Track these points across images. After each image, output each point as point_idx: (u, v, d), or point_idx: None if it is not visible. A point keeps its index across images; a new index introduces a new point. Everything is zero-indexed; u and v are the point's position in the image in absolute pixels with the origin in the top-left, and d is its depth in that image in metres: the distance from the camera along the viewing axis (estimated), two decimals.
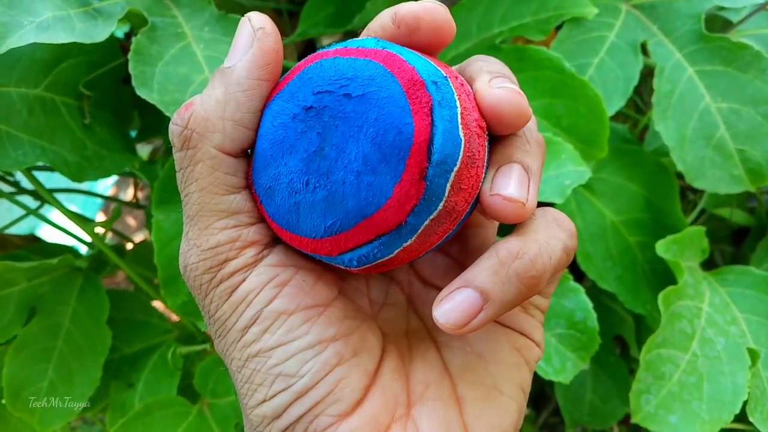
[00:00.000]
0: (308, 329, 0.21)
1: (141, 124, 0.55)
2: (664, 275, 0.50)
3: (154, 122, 0.54)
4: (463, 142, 0.20)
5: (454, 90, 0.20)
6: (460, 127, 0.20)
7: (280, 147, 0.20)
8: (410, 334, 0.25)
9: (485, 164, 0.21)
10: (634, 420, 0.43)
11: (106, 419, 0.57)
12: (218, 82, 0.21)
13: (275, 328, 0.21)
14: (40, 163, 0.46)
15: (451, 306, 0.20)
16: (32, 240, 0.69)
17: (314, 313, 0.22)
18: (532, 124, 0.23)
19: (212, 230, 0.21)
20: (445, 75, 0.20)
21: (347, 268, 0.22)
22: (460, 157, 0.20)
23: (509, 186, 0.20)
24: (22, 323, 0.53)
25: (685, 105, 0.47)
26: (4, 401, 0.55)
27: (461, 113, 0.20)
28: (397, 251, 0.21)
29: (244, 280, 0.21)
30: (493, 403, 0.23)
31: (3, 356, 0.54)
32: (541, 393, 0.72)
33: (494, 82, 0.21)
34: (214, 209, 0.21)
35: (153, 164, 0.49)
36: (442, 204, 0.20)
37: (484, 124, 0.21)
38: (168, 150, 0.48)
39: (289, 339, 0.21)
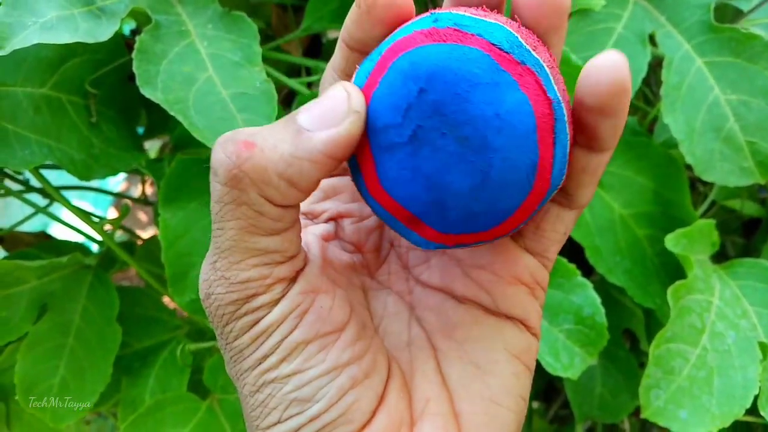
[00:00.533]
0: (324, 356, 0.21)
1: (148, 121, 0.55)
2: (674, 268, 0.50)
3: (162, 119, 0.54)
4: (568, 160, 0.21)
5: (562, 101, 0.20)
6: (568, 146, 0.20)
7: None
8: (411, 345, 0.25)
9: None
10: (643, 415, 0.43)
11: (117, 414, 0.57)
12: (289, 135, 0.20)
13: (293, 358, 0.21)
14: (48, 162, 0.46)
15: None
16: (43, 237, 0.69)
17: (330, 339, 0.22)
18: None
19: (244, 266, 0.21)
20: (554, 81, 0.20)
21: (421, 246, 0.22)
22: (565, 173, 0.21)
23: None
24: (32, 321, 0.54)
25: (694, 97, 0.46)
26: (17, 398, 0.55)
27: (568, 127, 0.20)
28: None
29: (268, 314, 0.21)
30: (492, 416, 0.23)
31: (15, 353, 0.55)
32: (551, 386, 0.72)
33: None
34: (250, 248, 0.21)
35: (160, 162, 0.49)
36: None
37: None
38: (175, 147, 0.48)
39: (306, 367, 0.21)
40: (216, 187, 0.20)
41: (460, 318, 0.24)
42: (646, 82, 0.61)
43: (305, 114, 0.20)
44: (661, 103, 0.46)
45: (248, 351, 0.21)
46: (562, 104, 0.19)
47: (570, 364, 0.39)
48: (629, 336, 0.61)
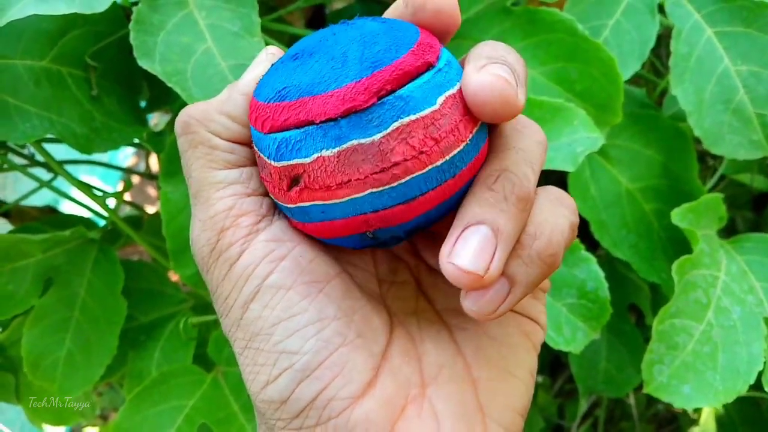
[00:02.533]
0: (307, 305, 0.21)
1: (150, 93, 0.55)
2: (680, 243, 0.49)
3: (164, 91, 0.53)
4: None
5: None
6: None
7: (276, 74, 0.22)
8: (419, 314, 0.24)
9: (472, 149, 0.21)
10: (646, 390, 0.43)
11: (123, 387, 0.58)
12: (226, 90, 0.23)
13: (275, 303, 0.21)
14: (49, 136, 0.46)
15: (479, 294, 0.20)
16: (49, 212, 0.69)
17: (313, 289, 0.21)
18: (522, 165, 0.21)
19: (211, 201, 0.22)
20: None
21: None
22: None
23: (467, 254, 0.19)
24: (38, 294, 0.54)
25: (703, 68, 0.45)
26: (26, 371, 0.56)
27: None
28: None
29: (241, 254, 0.22)
30: (507, 384, 0.23)
31: (21, 327, 0.56)
32: (556, 361, 0.72)
33: (487, 68, 0.20)
34: (212, 182, 0.22)
35: (161, 135, 0.49)
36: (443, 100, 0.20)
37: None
38: (174, 120, 0.48)
39: (288, 315, 0.21)
40: (178, 143, 0.23)
41: None
42: (655, 53, 0.60)
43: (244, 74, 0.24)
44: (670, 74, 0.45)
45: (231, 298, 0.22)
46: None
47: (572, 338, 0.39)
48: (635, 311, 0.61)
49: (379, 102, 0.19)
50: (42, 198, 0.71)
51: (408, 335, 0.23)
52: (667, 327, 0.43)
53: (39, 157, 0.60)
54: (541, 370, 0.70)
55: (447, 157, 0.20)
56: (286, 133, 0.20)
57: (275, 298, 0.21)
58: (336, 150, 0.19)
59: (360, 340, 0.21)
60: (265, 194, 0.23)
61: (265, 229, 0.22)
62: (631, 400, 0.70)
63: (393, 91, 0.19)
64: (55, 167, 0.51)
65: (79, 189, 0.51)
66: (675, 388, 0.43)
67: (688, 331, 0.43)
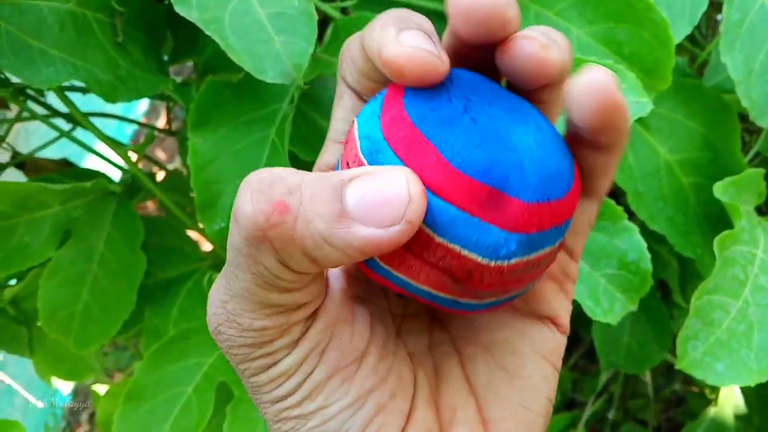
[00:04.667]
0: (348, 389, 0.20)
1: (174, 44, 0.53)
2: (716, 219, 0.48)
3: (188, 43, 0.52)
4: None
5: None
6: None
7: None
8: (433, 348, 0.23)
9: None
10: (678, 366, 0.42)
11: (140, 344, 0.57)
12: (330, 212, 0.17)
13: (316, 395, 0.20)
14: (66, 83, 0.45)
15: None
16: (65, 165, 0.68)
17: (351, 370, 0.20)
18: None
19: (258, 315, 0.19)
20: None
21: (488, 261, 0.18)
22: None
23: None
24: (56, 246, 0.53)
25: (755, 36, 0.43)
26: (39, 323, 0.55)
27: None
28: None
29: (287, 356, 0.20)
30: (520, 422, 0.22)
31: (37, 279, 0.55)
32: (574, 334, 0.71)
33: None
34: (265, 302, 0.19)
35: (187, 86, 0.47)
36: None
37: None
38: (203, 72, 0.47)
39: (329, 403, 0.20)
40: (235, 235, 0.18)
41: (485, 321, 0.23)
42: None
43: (355, 193, 0.17)
44: (720, 41, 0.43)
45: (267, 388, 0.20)
46: None
47: (610, 309, 0.38)
48: (661, 287, 0.60)
49: (548, 230, 0.19)
50: (56, 152, 0.70)
51: (426, 378, 0.22)
52: (704, 303, 0.42)
53: (56, 109, 0.58)
54: None
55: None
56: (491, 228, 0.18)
57: (316, 391, 0.20)
58: (505, 263, 0.18)
59: (393, 402, 0.21)
60: (319, 296, 0.20)
61: (313, 326, 0.20)
62: (648, 379, 0.69)
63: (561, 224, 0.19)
64: (78, 117, 0.49)
65: (101, 140, 0.50)
66: (708, 365, 0.42)
67: (725, 308, 0.42)
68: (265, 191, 0.17)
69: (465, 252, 0.18)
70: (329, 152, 0.23)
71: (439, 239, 0.18)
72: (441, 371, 0.23)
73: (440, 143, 0.18)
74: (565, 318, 0.23)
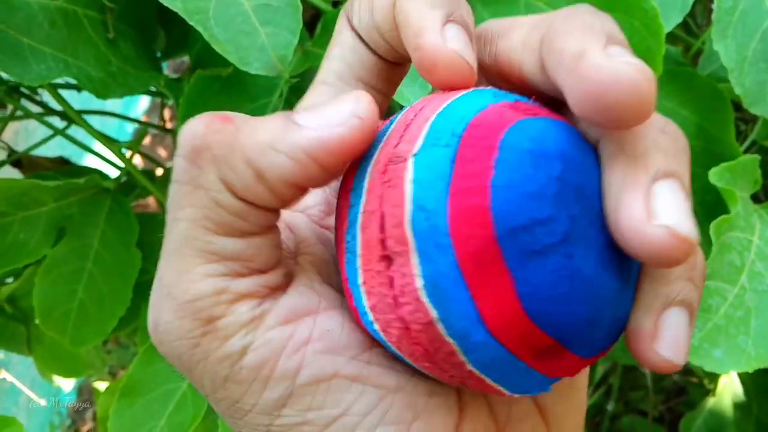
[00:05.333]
0: (362, 387, 0.17)
1: (167, 40, 0.53)
2: (711, 207, 0.48)
3: (180, 38, 0.52)
4: None
5: None
6: None
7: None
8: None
9: None
10: None
11: (136, 340, 0.57)
12: (276, 125, 0.16)
13: (319, 403, 0.16)
14: (62, 80, 0.45)
15: (670, 335, 0.15)
16: (61, 163, 0.68)
17: (361, 362, 0.17)
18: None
19: (193, 276, 0.16)
20: None
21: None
22: None
23: (671, 215, 0.14)
24: (51, 244, 0.53)
25: (747, 23, 0.43)
26: (37, 321, 0.55)
27: None
28: None
29: (245, 351, 0.16)
30: (570, 403, 0.20)
31: (33, 277, 0.55)
32: None
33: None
34: (203, 248, 0.16)
35: (179, 81, 0.47)
36: None
37: None
38: (194, 67, 0.46)
39: (342, 410, 0.16)
40: (176, 164, 0.16)
41: None
42: (690, 12, 0.58)
43: (305, 112, 0.16)
44: (712, 29, 0.43)
45: (246, 404, 0.16)
46: None
47: None
48: None
49: None
50: (52, 151, 0.70)
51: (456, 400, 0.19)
52: None
53: (51, 107, 0.58)
54: None
55: None
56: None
57: (318, 396, 0.16)
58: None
59: (434, 400, 0.17)
60: (272, 269, 0.17)
61: (273, 310, 0.16)
62: (646, 369, 0.69)
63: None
64: (72, 114, 0.49)
65: (95, 137, 0.50)
66: (706, 351, 0.42)
67: (722, 293, 0.42)
68: (209, 113, 0.16)
69: (492, 383, 0.16)
70: (316, 94, 0.20)
71: (470, 367, 0.15)
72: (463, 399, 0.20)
73: (520, 279, 0.14)
74: None
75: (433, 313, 0.15)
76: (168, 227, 0.17)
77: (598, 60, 0.14)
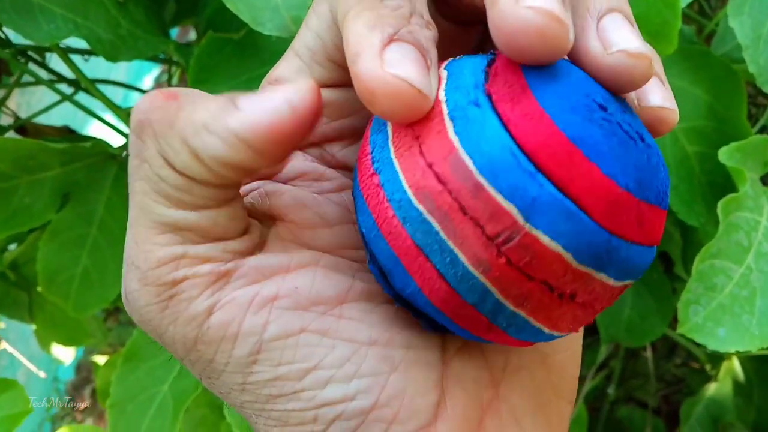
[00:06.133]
0: (333, 341, 0.17)
1: (176, 6, 0.53)
2: (720, 188, 0.48)
3: (190, 5, 0.51)
4: None
5: None
6: None
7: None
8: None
9: None
10: (680, 330, 0.42)
11: None
12: (216, 106, 0.15)
13: (290, 356, 0.16)
14: (67, 47, 0.44)
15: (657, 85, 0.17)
16: (66, 131, 0.68)
17: (331, 318, 0.17)
18: None
19: (152, 245, 0.16)
20: None
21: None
22: None
23: (624, 38, 0.16)
24: (56, 209, 0.53)
25: (764, 0, 0.43)
26: (39, 289, 0.55)
27: None
28: None
29: (212, 311, 0.16)
30: (570, 352, 0.20)
31: (36, 244, 0.55)
32: None
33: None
34: (155, 220, 0.16)
35: (188, 46, 0.47)
36: None
37: None
38: (204, 32, 0.46)
39: (314, 362, 0.16)
40: (129, 140, 0.17)
41: None
42: None
43: (247, 96, 0.16)
44: (728, 5, 0.43)
45: (219, 363, 0.17)
46: None
47: None
48: (664, 260, 0.60)
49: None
50: (55, 121, 0.70)
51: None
52: (706, 267, 0.42)
53: (59, 73, 0.58)
54: None
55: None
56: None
57: (288, 351, 0.16)
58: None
59: (412, 353, 0.17)
60: (235, 237, 0.17)
61: (238, 269, 0.17)
62: (648, 353, 0.69)
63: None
64: (82, 80, 0.49)
65: (104, 103, 0.50)
66: (710, 329, 0.41)
67: (727, 273, 0.42)
68: (159, 89, 0.16)
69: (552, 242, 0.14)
70: (285, 67, 0.19)
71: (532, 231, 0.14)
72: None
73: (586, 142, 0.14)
74: None
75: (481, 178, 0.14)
76: (130, 201, 0.17)
77: (503, 5, 0.14)
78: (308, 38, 0.18)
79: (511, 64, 0.15)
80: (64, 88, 0.58)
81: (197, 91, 0.17)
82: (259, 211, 0.18)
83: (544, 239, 0.14)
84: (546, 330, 0.16)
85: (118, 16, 0.47)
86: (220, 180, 0.16)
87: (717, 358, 0.65)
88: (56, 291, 0.53)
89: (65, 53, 0.49)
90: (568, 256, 0.14)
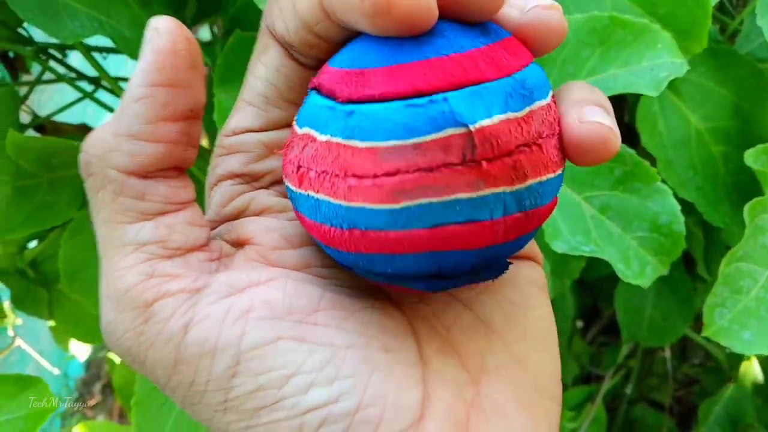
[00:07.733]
0: (310, 347, 0.17)
1: (197, 6, 0.53)
2: (745, 188, 0.47)
3: (212, 2, 0.51)
4: None
5: None
6: None
7: None
8: (425, 298, 0.20)
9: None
10: (705, 333, 0.42)
11: None
12: (121, 102, 0.17)
13: (269, 365, 0.16)
14: (89, 41, 0.44)
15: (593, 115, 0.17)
16: (85, 129, 0.68)
17: (307, 326, 0.17)
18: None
19: (121, 270, 0.17)
20: None
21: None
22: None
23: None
24: (78, 207, 0.53)
25: None
26: (59, 286, 0.55)
27: None
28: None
29: (187, 329, 0.17)
30: (546, 352, 0.20)
31: (57, 241, 0.55)
32: (594, 308, 0.71)
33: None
34: (118, 244, 0.17)
35: (211, 45, 0.47)
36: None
37: None
38: (227, 31, 0.46)
39: (293, 369, 0.16)
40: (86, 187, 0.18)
41: None
42: None
43: (132, 85, 0.18)
44: (756, 3, 0.42)
45: (199, 385, 0.17)
46: None
47: (641, 272, 0.38)
48: (686, 259, 0.59)
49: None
50: (72, 119, 0.70)
51: (430, 327, 0.19)
52: (732, 270, 0.41)
53: (79, 71, 0.58)
54: (579, 315, 0.69)
55: (546, 176, 0.16)
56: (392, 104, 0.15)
57: (266, 360, 0.16)
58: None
59: (391, 355, 0.17)
60: (198, 248, 0.18)
61: (209, 285, 0.17)
62: (667, 353, 0.69)
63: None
64: (104, 76, 0.49)
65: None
66: (735, 333, 0.41)
67: (753, 276, 0.42)
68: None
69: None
70: (241, 115, 0.20)
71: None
72: (446, 318, 0.20)
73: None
74: (538, 255, 0.22)
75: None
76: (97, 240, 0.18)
77: None
78: (259, 86, 0.19)
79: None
80: (85, 85, 0.58)
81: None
82: (228, 241, 0.19)
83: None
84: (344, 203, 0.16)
85: (141, 14, 0.47)
86: (158, 148, 0.17)
87: (735, 359, 0.65)
88: (78, 288, 0.54)
89: (88, 51, 0.49)
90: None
